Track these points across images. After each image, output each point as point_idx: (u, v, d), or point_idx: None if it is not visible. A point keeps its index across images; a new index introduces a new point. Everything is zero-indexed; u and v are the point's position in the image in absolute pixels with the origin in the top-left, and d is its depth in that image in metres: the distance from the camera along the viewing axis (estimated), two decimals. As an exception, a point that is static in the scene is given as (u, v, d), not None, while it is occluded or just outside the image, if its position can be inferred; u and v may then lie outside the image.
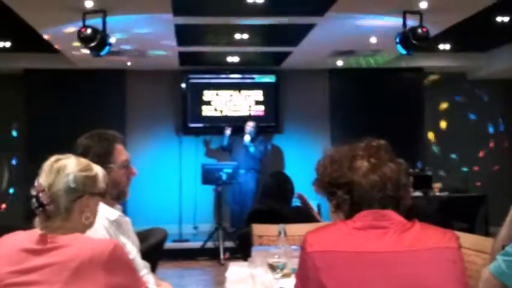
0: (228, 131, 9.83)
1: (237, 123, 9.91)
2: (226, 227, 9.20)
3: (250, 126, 9.70)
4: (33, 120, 9.95)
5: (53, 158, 2.09)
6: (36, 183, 2.03)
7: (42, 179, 2.03)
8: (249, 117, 10.06)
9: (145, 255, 2.82)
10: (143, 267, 2.65)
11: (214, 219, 9.42)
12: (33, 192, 2.01)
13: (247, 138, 9.63)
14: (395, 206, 1.85)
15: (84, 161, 2.15)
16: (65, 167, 2.06)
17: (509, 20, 7.77)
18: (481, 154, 10.74)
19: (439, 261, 1.76)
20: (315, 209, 5.16)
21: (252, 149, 9.60)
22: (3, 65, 9.67)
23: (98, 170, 2.16)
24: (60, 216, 2.02)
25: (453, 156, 10.70)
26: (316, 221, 4.84)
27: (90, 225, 2.13)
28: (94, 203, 2.14)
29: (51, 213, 2.01)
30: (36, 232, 2.04)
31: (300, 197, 5.13)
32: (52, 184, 2.02)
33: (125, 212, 2.91)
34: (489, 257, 2.36)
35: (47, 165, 2.07)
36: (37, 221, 2.06)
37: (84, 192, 2.08)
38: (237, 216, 9.18)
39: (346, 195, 1.85)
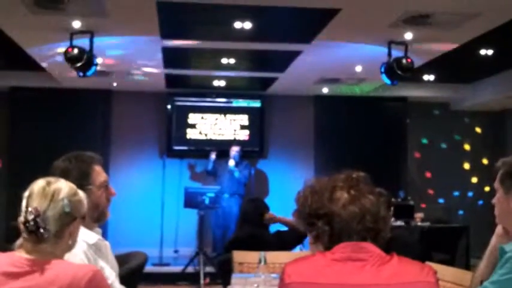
0: (213, 156, 9.81)
1: (222, 147, 9.91)
2: (207, 251, 9.13)
3: (234, 150, 9.70)
4: (16, 137, 9.88)
5: (43, 182, 2.07)
6: (31, 207, 1.99)
7: (36, 203, 2.01)
8: (234, 142, 10.06)
9: (125, 279, 2.80)
10: (121, 292, 2.63)
11: (196, 243, 9.35)
12: (30, 216, 1.98)
13: (231, 162, 9.62)
14: (374, 238, 1.85)
15: (72, 185, 2.14)
16: (59, 191, 2.05)
17: (493, 53, 7.88)
18: (464, 185, 10.78)
19: (417, 295, 1.77)
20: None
21: (236, 174, 9.58)
22: (-12, 82, 9.63)
23: (81, 193, 2.17)
24: (51, 240, 2.01)
25: (436, 186, 10.74)
26: (296, 228, 4.81)
27: (70, 248, 2.13)
28: (79, 227, 2.14)
29: (45, 238, 1.99)
30: (14, 254, 2.02)
31: (270, 217, 5.12)
32: (47, 208, 2.01)
33: (105, 234, 2.89)
34: (468, 291, 2.37)
35: (38, 188, 2.05)
36: (21, 244, 2.03)
37: (76, 216, 2.08)
38: (219, 241, 9.12)
39: (326, 227, 1.85)
